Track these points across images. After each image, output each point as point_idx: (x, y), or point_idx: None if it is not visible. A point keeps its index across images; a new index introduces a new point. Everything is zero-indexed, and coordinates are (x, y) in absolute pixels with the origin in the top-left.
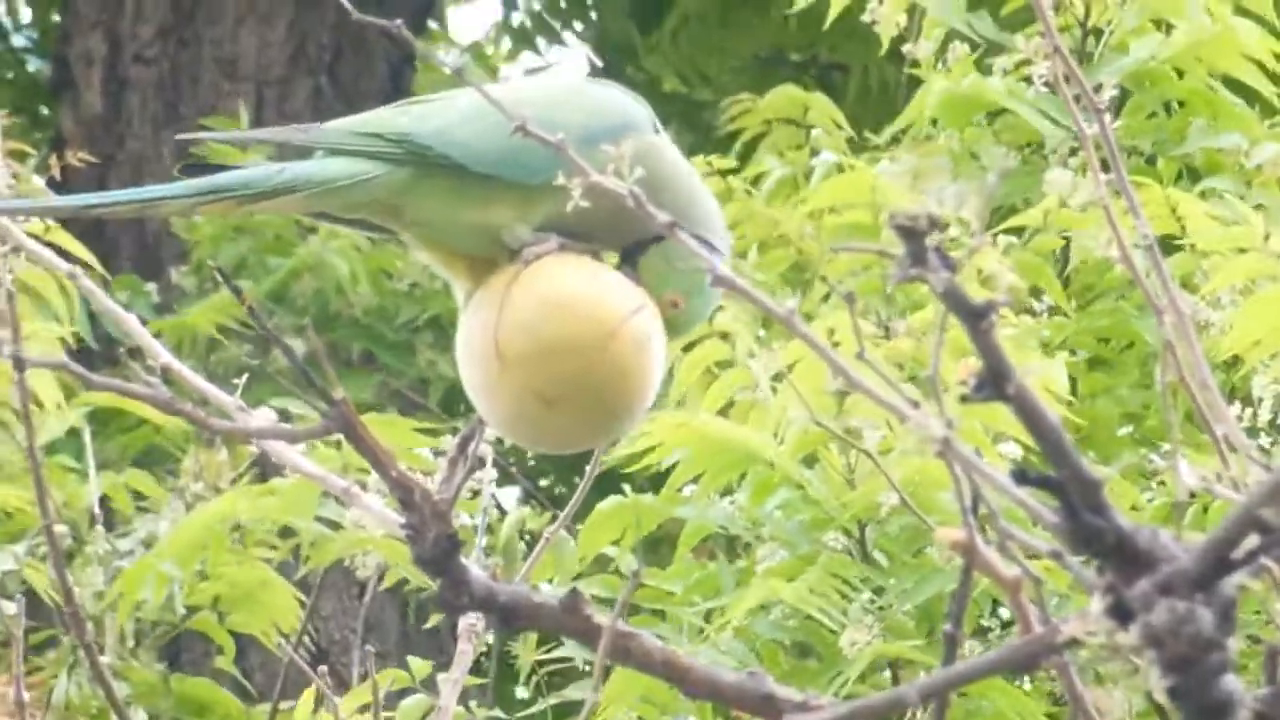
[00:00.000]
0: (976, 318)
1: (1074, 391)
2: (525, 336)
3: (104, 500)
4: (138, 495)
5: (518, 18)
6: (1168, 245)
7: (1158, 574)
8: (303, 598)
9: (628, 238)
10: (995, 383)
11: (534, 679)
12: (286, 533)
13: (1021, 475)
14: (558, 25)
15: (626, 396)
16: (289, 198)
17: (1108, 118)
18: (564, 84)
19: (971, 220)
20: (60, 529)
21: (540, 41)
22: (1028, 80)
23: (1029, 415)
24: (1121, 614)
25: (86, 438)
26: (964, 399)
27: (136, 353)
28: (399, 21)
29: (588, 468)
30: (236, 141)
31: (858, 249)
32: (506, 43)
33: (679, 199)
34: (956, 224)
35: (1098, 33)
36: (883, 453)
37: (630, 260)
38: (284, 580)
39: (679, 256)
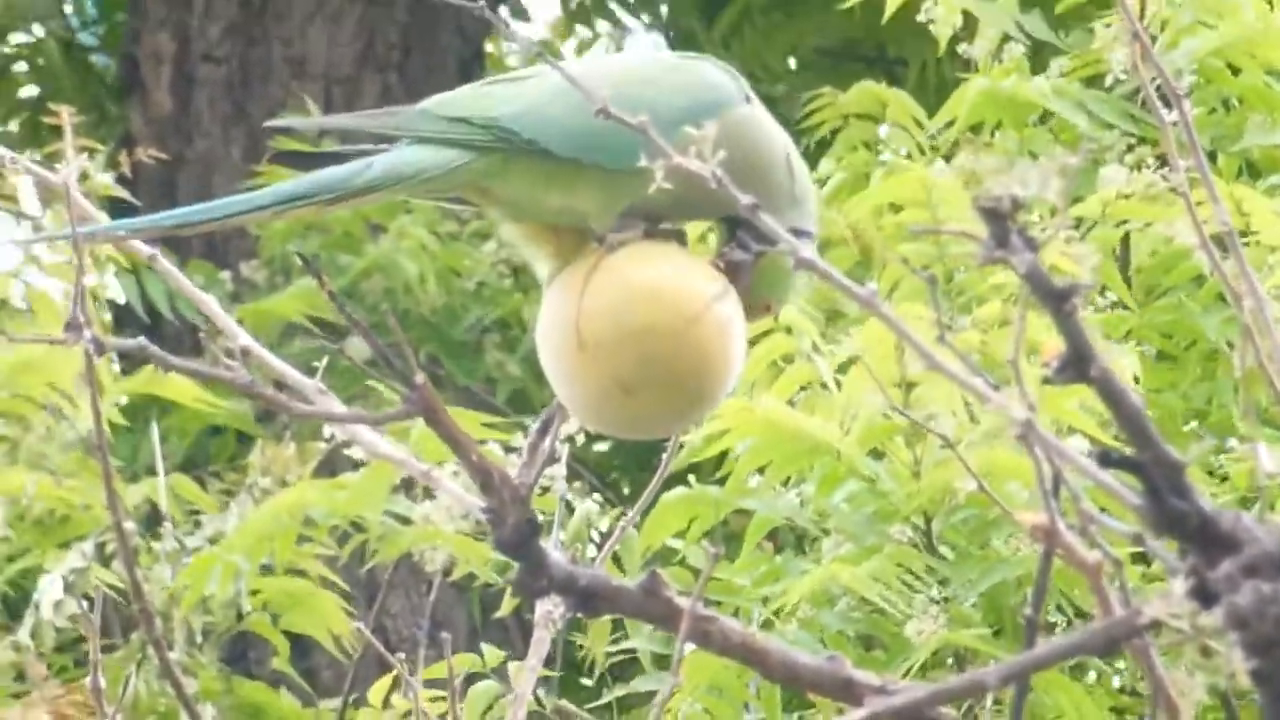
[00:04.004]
0: (1059, 300)
1: (1138, 386)
2: (607, 323)
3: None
4: (185, 500)
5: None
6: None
7: (1241, 556)
8: (350, 608)
9: (724, 213)
10: (1078, 365)
11: (599, 670)
12: (347, 535)
13: (1105, 457)
14: (619, 10)
15: (708, 381)
16: (377, 194)
17: (1186, 104)
18: (655, 60)
19: (1055, 201)
20: (129, 526)
21: (600, 24)
22: (1087, 81)
23: (1112, 397)
24: (1204, 596)
25: (155, 436)
26: (1046, 380)
27: (215, 334)
28: (481, 1)
29: (660, 459)
30: (314, 127)
31: (938, 232)
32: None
33: (768, 178)
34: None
35: (1151, 36)
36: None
37: (733, 235)
38: (330, 593)
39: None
